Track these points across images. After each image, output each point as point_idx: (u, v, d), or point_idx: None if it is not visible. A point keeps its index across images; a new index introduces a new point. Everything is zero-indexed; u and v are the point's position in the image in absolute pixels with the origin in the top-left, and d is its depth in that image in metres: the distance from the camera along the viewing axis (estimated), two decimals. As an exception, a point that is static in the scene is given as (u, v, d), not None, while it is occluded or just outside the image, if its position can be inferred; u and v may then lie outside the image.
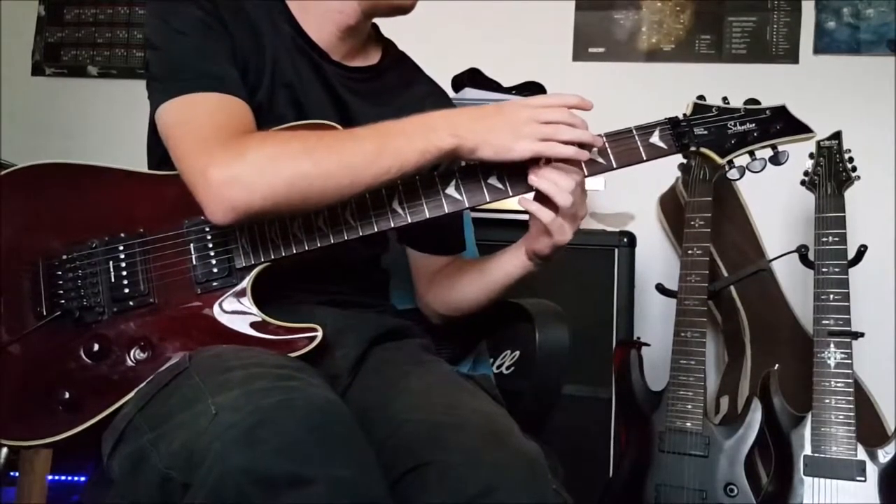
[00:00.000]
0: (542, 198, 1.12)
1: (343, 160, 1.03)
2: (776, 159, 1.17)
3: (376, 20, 1.32)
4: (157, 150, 1.21)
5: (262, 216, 1.05)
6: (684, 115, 1.16)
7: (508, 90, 2.21)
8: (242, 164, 1.00)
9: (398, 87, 1.32)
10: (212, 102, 1.09)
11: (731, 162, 1.16)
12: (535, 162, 1.10)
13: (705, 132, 1.15)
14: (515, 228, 1.98)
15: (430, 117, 1.08)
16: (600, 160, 1.13)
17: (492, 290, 1.29)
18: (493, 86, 2.22)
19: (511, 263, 1.26)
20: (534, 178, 1.10)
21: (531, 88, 2.22)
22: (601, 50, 2.53)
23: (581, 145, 1.08)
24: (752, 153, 1.16)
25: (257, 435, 0.81)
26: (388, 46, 1.36)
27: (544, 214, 1.12)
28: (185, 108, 1.09)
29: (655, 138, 1.14)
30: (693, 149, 1.15)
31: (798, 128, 1.16)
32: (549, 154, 1.07)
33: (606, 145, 1.13)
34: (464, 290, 1.32)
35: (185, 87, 1.09)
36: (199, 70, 1.11)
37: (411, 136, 1.04)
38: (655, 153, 1.13)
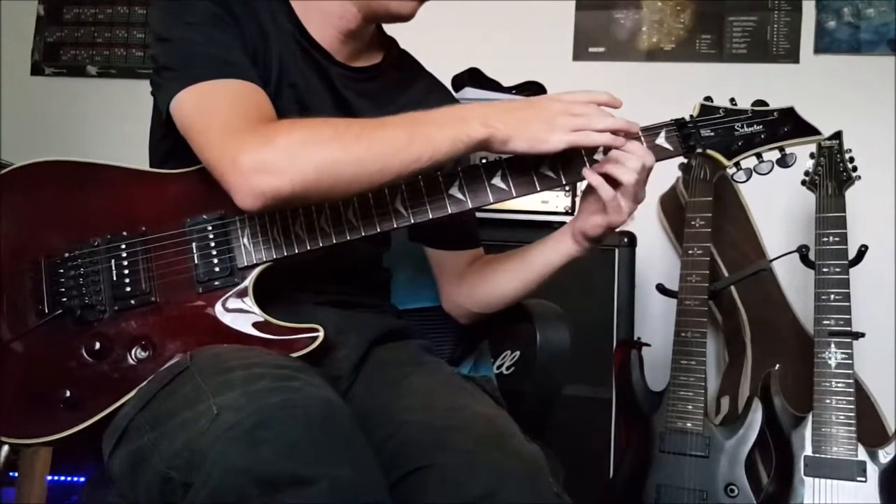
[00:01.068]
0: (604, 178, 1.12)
1: (374, 146, 1.01)
2: (784, 161, 1.16)
3: None
4: (160, 148, 1.21)
5: (291, 202, 1.04)
6: (691, 116, 1.16)
7: (508, 90, 2.21)
8: (272, 150, 0.99)
9: (400, 85, 1.32)
10: (231, 89, 1.08)
11: (737, 164, 1.15)
12: (578, 154, 1.10)
13: (712, 133, 1.14)
14: (517, 229, 2.00)
15: (463, 108, 1.08)
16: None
17: (531, 281, 1.28)
18: (493, 86, 2.22)
19: (555, 250, 1.25)
20: (600, 164, 1.11)
21: (531, 88, 2.22)
22: (601, 49, 2.53)
23: (616, 134, 1.09)
24: (759, 155, 1.16)
25: (258, 435, 0.81)
26: (390, 45, 1.36)
27: (605, 191, 1.11)
28: (205, 96, 1.07)
29: (661, 139, 1.14)
30: (699, 150, 1.14)
31: (806, 129, 1.15)
32: (584, 143, 1.07)
33: None
34: (502, 284, 1.31)
35: (202, 74, 1.08)
36: (214, 57, 1.09)
37: (442, 125, 1.04)
38: (661, 154, 1.13)
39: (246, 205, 1.00)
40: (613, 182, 1.11)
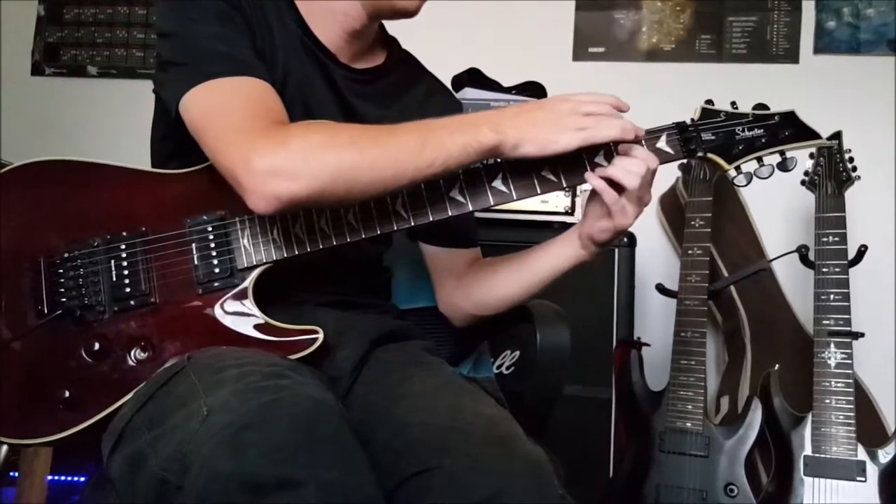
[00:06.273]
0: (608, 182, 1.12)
1: (388, 152, 1.01)
2: (784, 165, 1.15)
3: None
4: (163, 148, 1.21)
5: (305, 206, 1.03)
6: (692, 119, 1.15)
7: (508, 90, 2.21)
8: (288, 154, 0.97)
9: (402, 87, 1.32)
10: (243, 87, 1.06)
11: (738, 168, 1.15)
12: (580, 158, 1.10)
13: (713, 137, 1.14)
14: (516, 228, 2.00)
15: (475, 115, 1.07)
16: (608, 164, 1.13)
17: (534, 285, 1.28)
18: (492, 86, 2.22)
19: (562, 254, 1.24)
20: (603, 168, 1.10)
21: (531, 88, 2.22)
22: (601, 50, 2.53)
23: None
24: (759, 159, 1.15)
25: (244, 438, 0.80)
26: (392, 46, 1.35)
27: (609, 195, 1.11)
28: (216, 95, 1.05)
29: (662, 143, 1.13)
30: (700, 154, 1.14)
31: (807, 133, 1.14)
32: (595, 140, 1.06)
33: (613, 150, 1.13)
34: (501, 287, 1.30)
35: (212, 71, 1.06)
36: (223, 54, 1.08)
37: (454, 131, 1.03)
38: (662, 158, 1.13)
39: (259, 208, 0.99)
40: (617, 186, 1.11)
